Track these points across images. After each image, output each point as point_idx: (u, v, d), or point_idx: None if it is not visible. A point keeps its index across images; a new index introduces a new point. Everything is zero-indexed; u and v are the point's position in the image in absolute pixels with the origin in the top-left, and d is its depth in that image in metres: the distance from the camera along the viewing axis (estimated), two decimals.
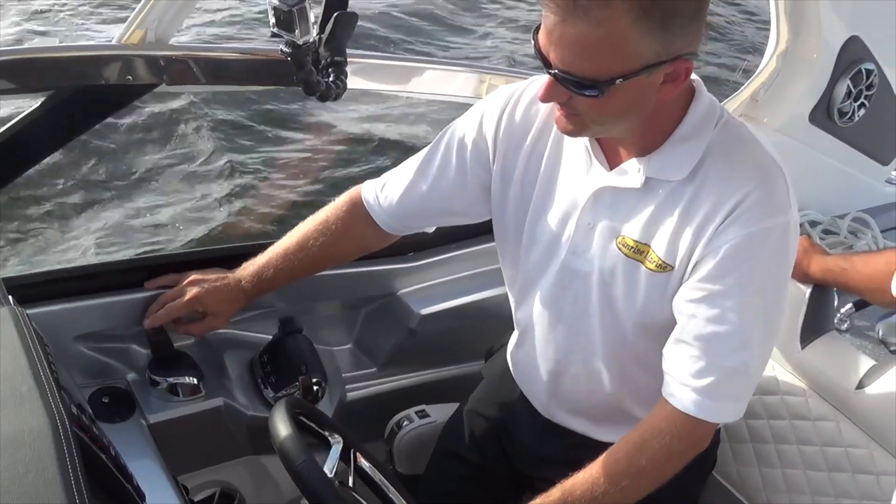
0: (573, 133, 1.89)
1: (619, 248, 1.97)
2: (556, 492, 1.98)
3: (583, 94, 1.72)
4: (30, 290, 2.34)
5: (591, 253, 2.03)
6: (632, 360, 2.12)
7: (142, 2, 2.27)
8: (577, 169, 2.03)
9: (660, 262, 1.93)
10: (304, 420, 2.06)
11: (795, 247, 1.94)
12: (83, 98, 2.32)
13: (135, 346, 2.54)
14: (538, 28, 1.73)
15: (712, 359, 1.87)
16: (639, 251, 1.95)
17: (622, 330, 2.06)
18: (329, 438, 2.09)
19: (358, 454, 2.12)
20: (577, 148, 2.02)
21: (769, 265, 1.87)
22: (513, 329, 2.39)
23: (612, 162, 1.98)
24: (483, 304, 3.04)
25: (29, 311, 1.91)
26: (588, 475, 1.97)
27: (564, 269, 2.08)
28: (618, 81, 1.68)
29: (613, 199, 1.98)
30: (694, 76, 1.88)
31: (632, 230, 1.96)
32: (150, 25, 2.30)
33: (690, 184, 1.88)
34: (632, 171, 1.93)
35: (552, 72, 1.72)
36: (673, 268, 1.92)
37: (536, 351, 2.26)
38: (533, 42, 1.75)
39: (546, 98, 1.79)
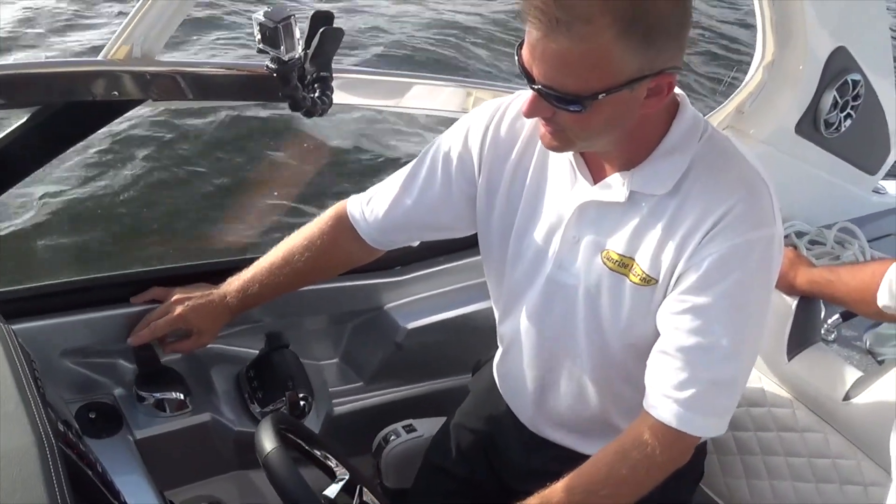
0: (558, 149, 1.90)
1: (604, 262, 1.98)
2: (534, 500, 1.97)
3: (566, 109, 1.72)
4: (15, 306, 2.34)
5: (576, 267, 2.03)
6: (617, 374, 2.12)
7: (128, 17, 2.27)
8: (562, 183, 2.04)
9: (644, 275, 1.93)
10: (291, 436, 2.06)
11: (779, 260, 1.94)
12: (70, 114, 2.32)
13: (121, 362, 2.53)
14: (522, 43, 1.73)
15: (695, 371, 1.87)
16: (623, 265, 1.96)
17: (608, 344, 2.06)
18: (335, 470, 2.10)
19: (365, 490, 2.12)
20: (562, 162, 2.03)
21: (753, 278, 1.87)
22: (498, 343, 2.39)
23: (597, 176, 1.98)
24: (469, 317, 3.04)
25: (14, 327, 1.91)
26: (567, 484, 1.96)
27: (550, 283, 2.09)
28: (601, 96, 1.68)
29: (598, 214, 1.98)
30: (678, 90, 1.89)
31: (616, 244, 1.96)
32: (136, 41, 2.29)
33: (674, 197, 1.89)
34: (616, 186, 1.93)
35: (536, 87, 1.73)
36: (657, 281, 1.92)
37: (522, 365, 2.26)
38: (516, 57, 1.76)
39: (530, 113, 1.80)
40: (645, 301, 1.96)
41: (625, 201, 1.93)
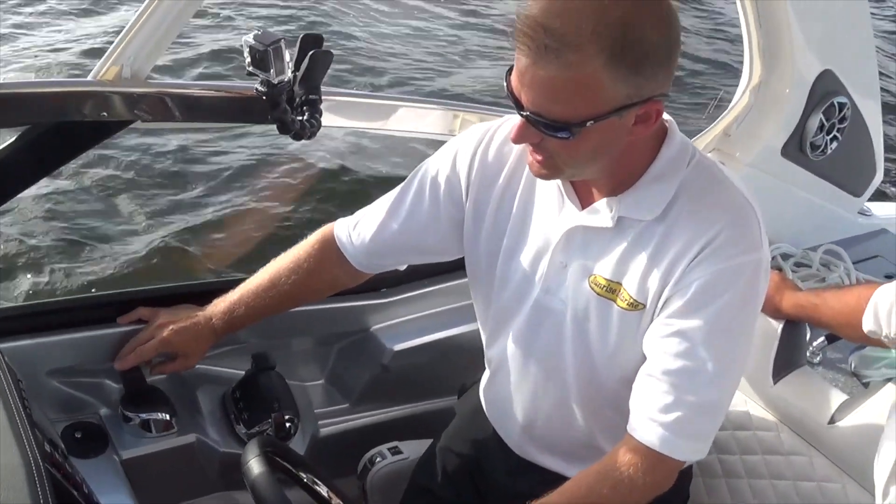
0: (547, 177, 1.90)
1: (592, 287, 1.98)
2: None
3: (554, 135, 1.73)
4: (1, 325, 2.34)
5: (564, 292, 2.03)
6: (604, 398, 2.12)
7: (118, 37, 2.27)
8: (550, 208, 2.04)
9: (632, 300, 1.93)
10: (278, 459, 2.06)
11: (766, 285, 1.95)
12: (58, 134, 2.31)
13: (107, 381, 2.53)
14: (511, 70, 1.74)
15: (680, 395, 1.87)
16: (611, 290, 1.96)
17: (595, 369, 2.07)
18: (329, 501, 2.11)
19: None
20: (550, 187, 2.03)
21: (739, 302, 1.88)
22: (485, 366, 2.39)
23: (585, 201, 1.99)
24: (456, 340, 3.04)
25: (1, 346, 1.90)
26: (548, 501, 1.96)
27: (537, 308, 2.09)
28: (589, 124, 1.69)
29: (585, 239, 1.99)
30: (666, 116, 1.89)
31: (604, 269, 1.96)
32: (125, 61, 2.29)
33: (662, 223, 1.89)
34: (604, 211, 1.94)
35: (524, 113, 1.74)
36: (645, 306, 1.93)
37: (509, 388, 2.27)
38: (505, 84, 1.76)
39: (518, 140, 1.80)
40: (632, 326, 1.96)
41: (612, 227, 1.93)
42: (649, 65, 1.68)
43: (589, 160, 1.82)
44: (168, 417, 2.48)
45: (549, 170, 1.85)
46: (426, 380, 3.11)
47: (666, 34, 1.70)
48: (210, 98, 2.47)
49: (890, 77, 10.23)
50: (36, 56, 8.49)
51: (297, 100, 2.38)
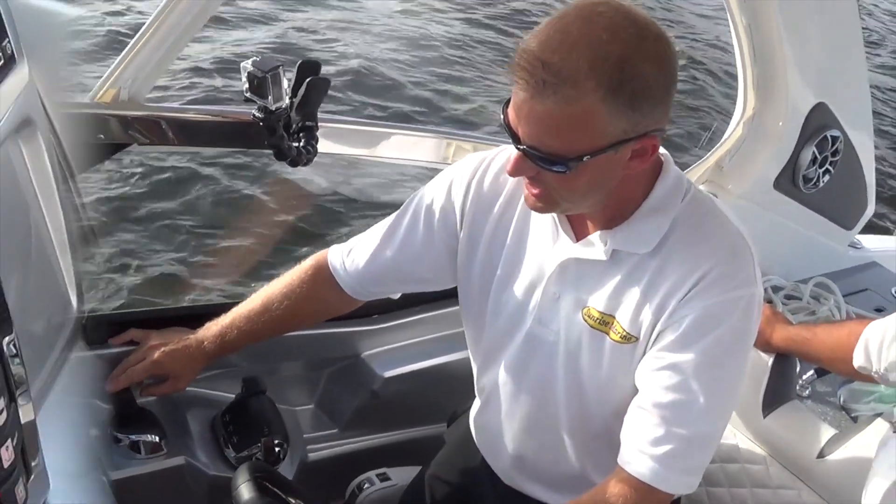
0: (543, 210, 1.90)
1: (585, 320, 1.98)
2: None
3: (550, 169, 1.73)
4: None
5: (556, 323, 2.03)
6: (595, 430, 2.11)
7: (117, 59, 2.27)
8: (544, 239, 2.04)
9: (625, 333, 1.93)
10: (268, 485, 2.06)
11: (758, 320, 1.95)
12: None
13: (97, 402, 2.52)
14: (508, 102, 1.74)
15: (671, 428, 1.87)
16: (604, 322, 1.96)
17: (586, 400, 2.06)
18: None
19: None
20: (545, 219, 2.03)
21: (731, 337, 1.88)
22: (476, 394, 2.39)
23: (579, 233, 1.99)
24: (447, 367, 3.04)
25: None
26: None
27: (530, 338, 2.09)
28: (585, 158, 1.69)
29: (579, 271, 1.99)
30: (662, 150, 1.90)
31: (597, 301, 1.96)
32: (124, 84, 2.29)
33: (656, 257, 1.89)
34: (598, 244, 1.94)
35: (521, 147, 1.74)
36: (637, 339, 1.93)
37: (500, 418, 2.26)
38: (502, 116, 1.76)
39: (514, 172, 1.81)
40: (625, 359, 1.96)
41: (606, 260, 1.93)
42: (646, 100, 1.69)
43: (584, 194, 1.82)
44: (157, 439, 2.46)
45: (544, 203, 1.86)
46: (416, 407, 3.10)
47: (663, 70, 1.70)
48: (207, 123, 2.47)
49: None
50: None
51: (294, 126, 2.38)
